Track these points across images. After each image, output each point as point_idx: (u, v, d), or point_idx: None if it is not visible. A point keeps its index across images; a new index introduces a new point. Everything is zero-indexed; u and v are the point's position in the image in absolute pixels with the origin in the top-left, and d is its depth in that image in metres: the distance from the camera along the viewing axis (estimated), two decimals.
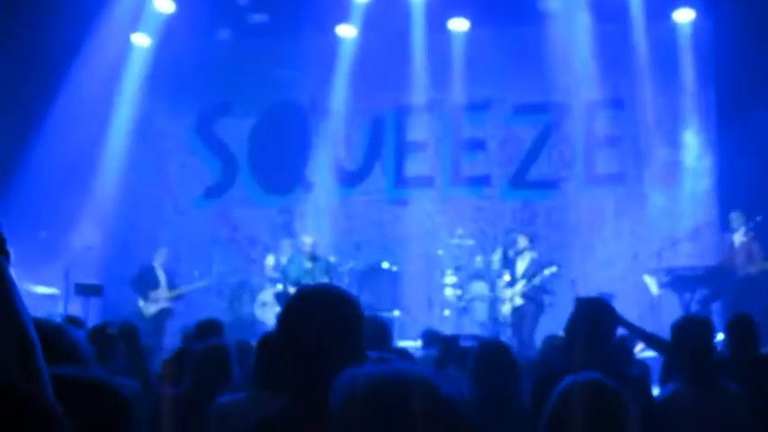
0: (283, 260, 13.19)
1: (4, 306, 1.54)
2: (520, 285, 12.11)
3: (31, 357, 1.53)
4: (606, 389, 2.78)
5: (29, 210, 13.16)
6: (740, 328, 5.53)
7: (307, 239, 12.58)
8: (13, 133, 13.63)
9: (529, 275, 12.07)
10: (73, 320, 6.84)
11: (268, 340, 4.30)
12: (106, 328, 5.78)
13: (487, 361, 4.75)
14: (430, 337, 7.87)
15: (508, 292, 12.21)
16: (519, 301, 12.08)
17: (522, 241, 12.36)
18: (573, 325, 4.56)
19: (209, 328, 6.41)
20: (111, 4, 13.40)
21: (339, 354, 2.35)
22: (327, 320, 2.42)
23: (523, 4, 13.42)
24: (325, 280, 12.23)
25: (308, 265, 12.36)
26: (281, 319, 2.49)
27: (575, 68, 13.69)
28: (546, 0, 13.41)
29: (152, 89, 14.31)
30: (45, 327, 2.09)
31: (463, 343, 6.45)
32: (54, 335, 2.20)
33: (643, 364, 7.74)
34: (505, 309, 12.22)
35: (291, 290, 12.16)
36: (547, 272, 12.01)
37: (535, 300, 12.01)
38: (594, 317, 4.54)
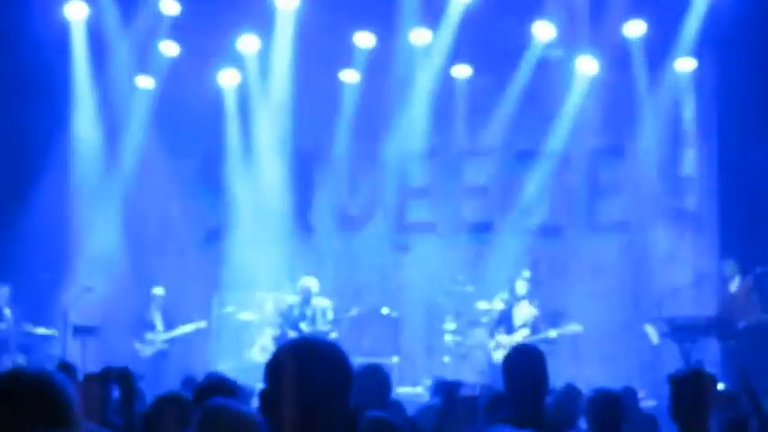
0: (283, 303, 13.14)
1: None
2: (520, 334, 11.95)
3: None
4: None
5: (31, 250, 13.16)
6: None
7: (309, 283, 12.55)
8: (15, 173, 13.67)
9: (531, 325, 11.93)
10: (65, 366, 6.82)
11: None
12: (104, 375, 5.73)
13: None
14: (436, 386, 7.79)
15: (505, 339, 12.04)
16: None
17: (521, 288, 12.25)
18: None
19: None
20: (116, 46, 13.51)
21: (326, 408, 2.33)
22: (317, 374, 2.37)
23: (525, 51, 13.50)
24: (325, 325, 12.25)
25: (309, 310, 12.37)
26: (269, 368, 2.43)
27: (576, 115, 13.73)
28: (548, 47, 13.49)
29: (156, 131, 14.35)
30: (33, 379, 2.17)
31: (465, 391, 6.38)
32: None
33: (651, 417, 7.66)
34: (497, 355, 11.66)
35: (291, 333, 12.13)
36: (569, 329, 11.87)
37: None
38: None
